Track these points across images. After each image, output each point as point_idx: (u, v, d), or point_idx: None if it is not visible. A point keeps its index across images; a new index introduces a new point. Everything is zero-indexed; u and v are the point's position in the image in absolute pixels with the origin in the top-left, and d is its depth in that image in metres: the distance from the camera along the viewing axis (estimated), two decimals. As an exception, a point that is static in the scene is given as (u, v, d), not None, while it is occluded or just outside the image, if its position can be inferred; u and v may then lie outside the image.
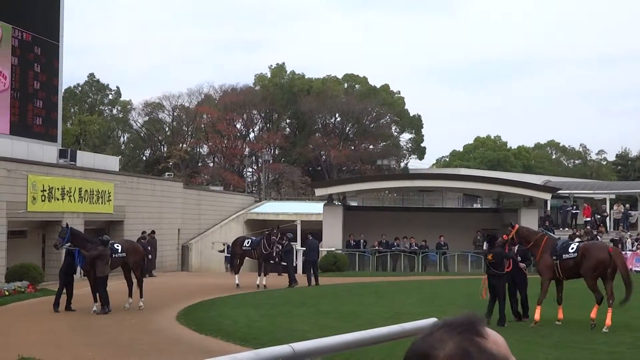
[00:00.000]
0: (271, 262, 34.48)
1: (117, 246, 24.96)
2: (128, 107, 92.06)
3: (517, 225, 21.82)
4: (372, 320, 19.34)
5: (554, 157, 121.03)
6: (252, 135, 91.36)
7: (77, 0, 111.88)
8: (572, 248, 20.77)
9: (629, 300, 19.67)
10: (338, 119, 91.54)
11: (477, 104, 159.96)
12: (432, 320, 5.45)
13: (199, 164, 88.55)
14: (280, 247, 34.22)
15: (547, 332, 18.71)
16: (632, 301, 19.98)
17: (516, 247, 21.47)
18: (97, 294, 23.32)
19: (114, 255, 24.38)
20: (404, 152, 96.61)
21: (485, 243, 21.47)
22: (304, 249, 37.34)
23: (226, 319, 21.42)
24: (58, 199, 34.70)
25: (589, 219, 51.18)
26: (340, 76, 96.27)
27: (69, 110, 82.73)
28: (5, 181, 31.23)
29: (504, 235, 21.23)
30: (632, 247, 45.23)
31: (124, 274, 25.31)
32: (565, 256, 20.52)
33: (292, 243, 36.80)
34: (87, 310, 23.29)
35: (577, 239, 23.50)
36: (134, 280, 24.93)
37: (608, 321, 19.06)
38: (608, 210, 53.26)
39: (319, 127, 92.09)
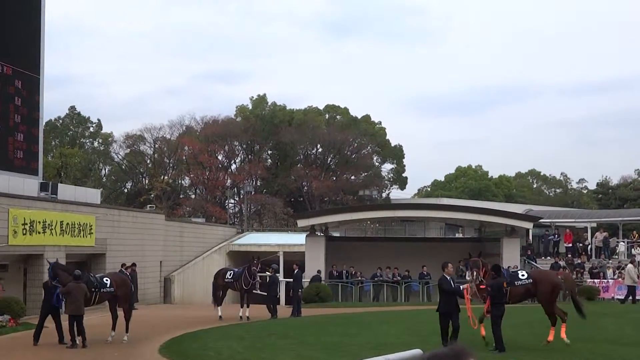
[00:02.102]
0: (254, 291, 34.44)
1: (106, 280, 24.64)
2: (109, 139, 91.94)
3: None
4: (356, 352, 19.31)
5: (535, 186, 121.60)
6: (233, 166, 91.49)
7: (58, 33, 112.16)
8: (523, 275, 22.33)
9: (584, 314, 21.80)
10: (319, 149, 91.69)
11: (458, 134, 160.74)
12: (416, 351, 5.49)
13: (181, 196, 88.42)
14: (259, 278, 34.27)
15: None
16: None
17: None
18: (79, 328, 23.13)
19: (102, 290, 24.16)
20: (386, 182, 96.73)
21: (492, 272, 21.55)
22: (291, 280, 37.38)
23: (209, 351, 21.32)
24: (39, 233, 34.53)
25: (570, 245, 51.37)
26: (321, 107, 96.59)
27: (50, 143, 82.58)
28: (-14, 215, 31.10)
29: (483, 268, 21.71)
30: (614, 275, 45.37)
31: (110, 307, 24.94)
32: (517, 283, 21.74)
33: (277, 274, 36.79)
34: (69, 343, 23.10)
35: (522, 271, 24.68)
36: (119, 314, 24.70)
37: (550, 337, 20.91)
38: (590, 239, 53.50)
39: (301, 158, 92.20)
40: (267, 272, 36.36)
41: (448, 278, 21.03)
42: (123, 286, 25.18)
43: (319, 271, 43.44)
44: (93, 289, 24.04)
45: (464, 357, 2.16)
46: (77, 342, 22.96)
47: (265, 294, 35.66)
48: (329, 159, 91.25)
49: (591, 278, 45.07)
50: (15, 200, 33.34)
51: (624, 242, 52.84)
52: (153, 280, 46.75)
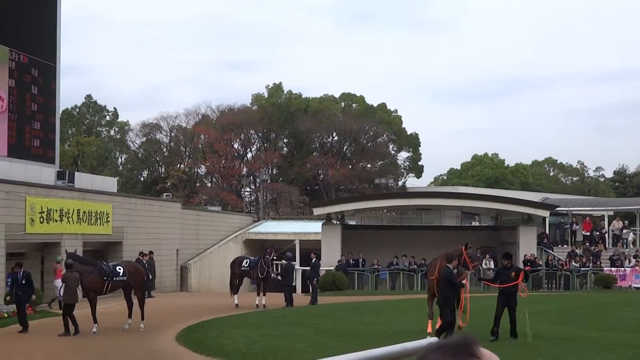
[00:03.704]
0: (271, 277, 34.45)
1: (119, 269, 24.82)
2: (125, 128, 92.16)
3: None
4: (372, 340, 19.30)
5: (551, 174, 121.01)
6: (249, 155, 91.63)
7: (74, 22, 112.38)
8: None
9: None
10: (335, 138, 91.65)
11: (474, 122, 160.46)
12: (433, 339, 5.45)
13: (197, 184, 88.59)
14: (274, 267, 34.47)
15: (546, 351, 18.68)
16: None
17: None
18: (94, 315, 23.33)
19: (115, 279, 24.35)
20: (402, 170, 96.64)
21: (505, 260, 21.41)
22: (308, 268, 37.42)
23: (226, 339, 21.36)
24: (56, 221, 34.65)
25: (588, 233, 51.11)
26: (337, 95, 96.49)
27: (67, 132, 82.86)
28: (4, 203, 31.18)
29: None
30: (629, 263, 45.22)
31: (125, 295, 25.16)
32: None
33: (292, 262, 36.77)
34: (87, 331, 23.18)
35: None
36: (135, 301, 24.84)
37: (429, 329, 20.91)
38: (607, 227, 53.22)
39: (317, 146, 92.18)
40: (283, 261, 36.35)
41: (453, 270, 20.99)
42: (136, 274, 25.33)
43: (342, 258, 43.93)
44: (106, 278, 24.24)
45: (471, 346, 2.14)
46: (95, 329, 23.11)
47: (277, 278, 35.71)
48: (345, 147, 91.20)
49: (611, 266, 44.98)
50: (32, 189, 33.47)
51: (633, 231, 52.38)
52: (169, 268, 46.86)
